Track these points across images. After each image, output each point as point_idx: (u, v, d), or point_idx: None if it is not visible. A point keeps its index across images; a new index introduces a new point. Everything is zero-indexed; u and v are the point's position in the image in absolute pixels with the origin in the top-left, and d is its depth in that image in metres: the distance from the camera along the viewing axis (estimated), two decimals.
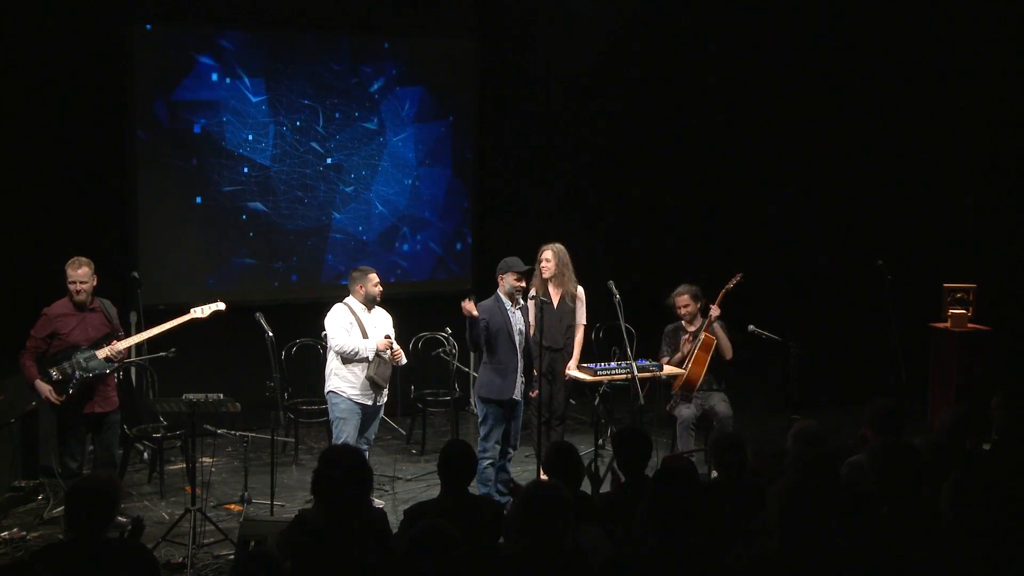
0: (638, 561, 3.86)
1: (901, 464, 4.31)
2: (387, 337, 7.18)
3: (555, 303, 7.78)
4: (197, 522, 6.36)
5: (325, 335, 7.32)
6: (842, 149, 10.74)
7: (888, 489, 4.28)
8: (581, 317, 7.92)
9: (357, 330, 7.21)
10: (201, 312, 7.11)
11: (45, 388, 6.71)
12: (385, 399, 7.40)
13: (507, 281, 7.16)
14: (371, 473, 4.55)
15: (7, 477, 7.34)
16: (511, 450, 7.31)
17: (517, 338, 7.14)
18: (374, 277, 7.31)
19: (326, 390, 7.29)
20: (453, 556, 3.66)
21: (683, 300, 8.01)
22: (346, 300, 7.33)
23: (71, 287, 6.84)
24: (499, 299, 7.16)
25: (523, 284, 7.19)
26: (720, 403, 7.86)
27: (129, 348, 7.01)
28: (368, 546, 4.26)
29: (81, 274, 6.84)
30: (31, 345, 6.80)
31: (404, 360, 7.41)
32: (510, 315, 7.13)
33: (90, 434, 7.03)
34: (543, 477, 5.75)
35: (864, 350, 9.90)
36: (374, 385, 7.19)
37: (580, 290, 7.91)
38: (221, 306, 7.21)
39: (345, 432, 7.14)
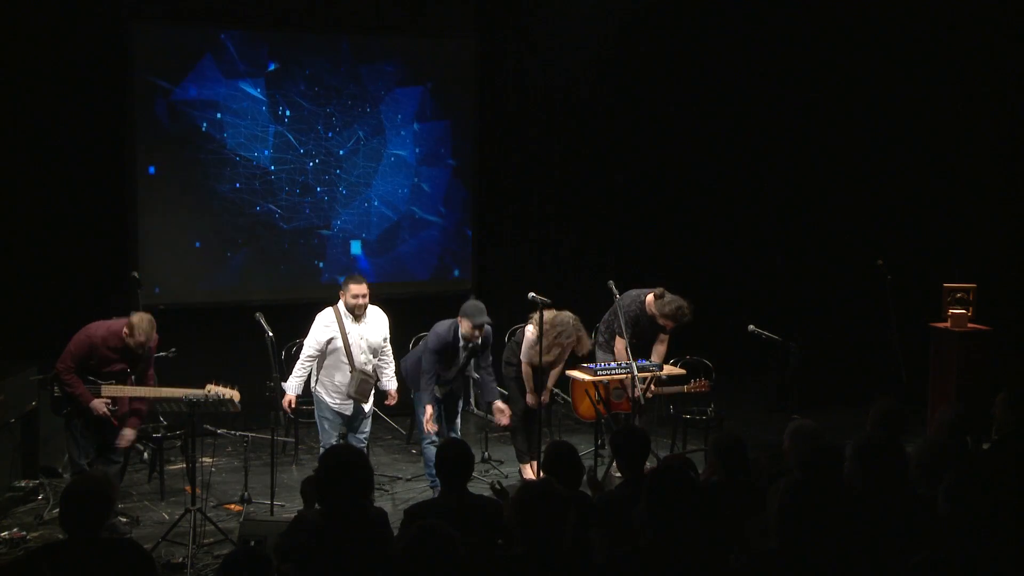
0: (636, 560, 3.86)
1: (826, 467, 4.33)
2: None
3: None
4: (197, 522, 6.37)
5: None
6: (843, 149, 10.74)
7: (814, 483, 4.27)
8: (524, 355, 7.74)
9: (339, 339, 7.16)
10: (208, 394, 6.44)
11: (102, 406, 6.54)
12: (371, 403, 7.38)
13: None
14: (371, 473, 4.54)
15: (7, 477, 7.35)
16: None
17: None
18: (354, 287, 7.17)
19: (312, 386, 7.34)
20: (453, 556, 3.65)
21: (671, 325, 7.75)
22: (338, 304, 7.30)
23: (140, 339, 6.45)
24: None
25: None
26: None
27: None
28: (368, 546, 4.26)
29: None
30: (68, 366, 6.49)
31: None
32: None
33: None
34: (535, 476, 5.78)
35: (864, 350, 9.90)
36: (355, 400, 7.24)
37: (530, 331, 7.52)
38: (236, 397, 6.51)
39: (329, 433, 7.26)
